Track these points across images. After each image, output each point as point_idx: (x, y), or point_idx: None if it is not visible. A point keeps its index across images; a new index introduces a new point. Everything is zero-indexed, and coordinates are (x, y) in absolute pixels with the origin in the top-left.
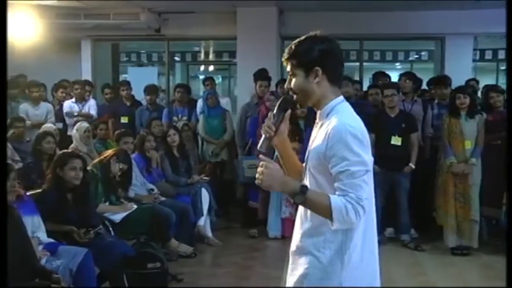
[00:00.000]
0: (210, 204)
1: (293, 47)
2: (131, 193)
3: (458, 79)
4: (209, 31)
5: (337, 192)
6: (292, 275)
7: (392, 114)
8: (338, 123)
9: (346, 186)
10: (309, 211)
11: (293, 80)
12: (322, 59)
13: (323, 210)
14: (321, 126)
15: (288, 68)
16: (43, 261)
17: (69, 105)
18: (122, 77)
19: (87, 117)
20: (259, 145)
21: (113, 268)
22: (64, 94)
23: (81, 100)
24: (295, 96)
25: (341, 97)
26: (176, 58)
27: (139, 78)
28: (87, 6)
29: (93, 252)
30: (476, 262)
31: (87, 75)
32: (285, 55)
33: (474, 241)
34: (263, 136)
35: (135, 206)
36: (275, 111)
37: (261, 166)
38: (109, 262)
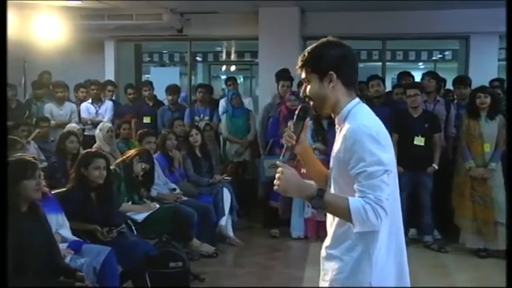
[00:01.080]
0: (232, 204)
1: (306, 54)
2: (154, 193)
3: (483, 79)
4: (231, 31)
5: (356, 194)
6: (323, 281)
7: (415, 114)
8: (353, 124)
9: (364, 187)
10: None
11: (308, 87)
12: (336, 64)
13: (342, 213)
14: (340, 131)
15: (303, 75)
16: (67, 259)
17: (86, 106)
18: (144, 77)
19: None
20: (281, 155)
21: (135, 267)
22: (84, 94)
23: (98, 101)
24: (311, 103)
25: (357, 99)
26: (198, 58)
27: (162, 78)
28: (111, 7)
29: (116, 251)
30: (500, 264)
31: (110, 75)
32: (299, 63)
33: (501, 243)
34: (285, 146)
35: (158, 206)
36: (294, 121)
37: (279, 172)
38: (132, 261)
